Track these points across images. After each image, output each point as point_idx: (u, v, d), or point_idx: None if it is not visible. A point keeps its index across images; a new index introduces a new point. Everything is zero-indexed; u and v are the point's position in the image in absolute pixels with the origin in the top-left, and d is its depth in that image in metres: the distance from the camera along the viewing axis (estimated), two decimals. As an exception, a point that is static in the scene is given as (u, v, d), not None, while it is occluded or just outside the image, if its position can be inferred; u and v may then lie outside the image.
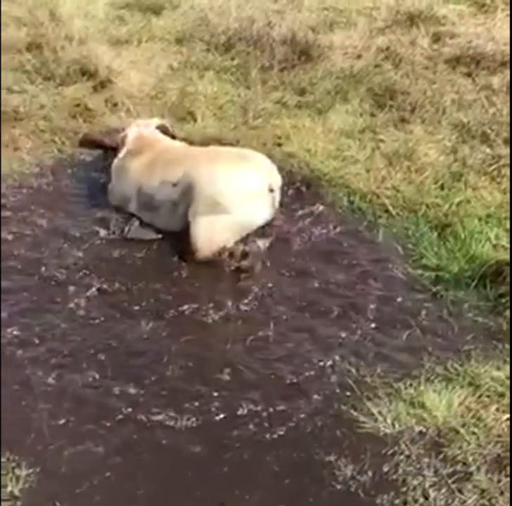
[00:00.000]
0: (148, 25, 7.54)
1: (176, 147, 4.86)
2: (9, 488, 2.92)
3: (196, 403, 3.36)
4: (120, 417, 3.29)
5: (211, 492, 2.99)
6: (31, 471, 2.99)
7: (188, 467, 3.08)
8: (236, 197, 4.22)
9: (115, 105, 6.08)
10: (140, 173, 4.60)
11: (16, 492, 2.91)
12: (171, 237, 4.47)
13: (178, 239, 4.37)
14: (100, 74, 6.35)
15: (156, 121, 5.12)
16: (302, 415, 3.30)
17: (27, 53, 6.59)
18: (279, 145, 5.61)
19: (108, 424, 3.25)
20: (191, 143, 5.14)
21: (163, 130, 5.01)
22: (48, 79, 6.35)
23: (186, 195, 4.26)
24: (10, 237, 4.49)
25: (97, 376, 3.50)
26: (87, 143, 5.32)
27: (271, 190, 4.33)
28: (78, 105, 6.05)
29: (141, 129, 4.93)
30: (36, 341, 3.68)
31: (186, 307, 3.96)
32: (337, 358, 3.62)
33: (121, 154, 4.84)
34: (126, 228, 4.53)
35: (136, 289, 4.10)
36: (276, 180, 4.44)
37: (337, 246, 4.54)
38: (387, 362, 3.60)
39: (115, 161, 4.87)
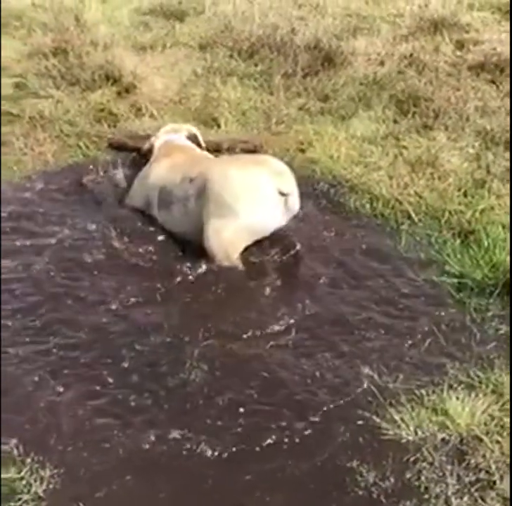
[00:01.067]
0: (172, 31, 7.63)
1: (202, 154, 4.93)
2: (34, 489, 2.94)
3: (217, 408, 3.37)
4: (141, 418, 3.31)
5: (232, 496, 2.99)
6: (55, 472, 3.01)
7: (209, 470, 3.08)
8: (244, 197, 4.20)
9: (139, 110, 6.14)
10: (163, 173, 4.69)
11: (40, 493, 2.93)
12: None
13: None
14: (124, 79, 6.41)
15: (186, 128, 5.17)
16: (325, 421, 3.29)
17: (52, 58, 6.66)
18: (302, 151, 5.63)
19: (130, 427, 3.26)
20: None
21: (192, 139, 5.07)
22: (73, 84, 6.42)
23: (200, 192, 4.29)
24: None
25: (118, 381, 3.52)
26: (114, 145, 5.54)
27: (282, 194, 4.27)
28: (102, 110, 6.12)
29: (170, 137, 5.00)
30: (54, 351, 3.70)
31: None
32: (359, 364, 3.60)
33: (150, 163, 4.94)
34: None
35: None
36: (288, 184, 4.33)
37: (359, 253, 4.53)
38: (410, 370, 3.59)
39: (144, 168, 4.96)
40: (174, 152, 4.82)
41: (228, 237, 4.22)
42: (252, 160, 4.59)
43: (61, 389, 3.43)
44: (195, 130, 5.18)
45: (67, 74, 6.48)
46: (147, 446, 3.17)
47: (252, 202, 4.21)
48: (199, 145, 5.05)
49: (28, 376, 3.50)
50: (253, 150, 5.24)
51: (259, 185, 4.24)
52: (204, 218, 4.26)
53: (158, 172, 4.74)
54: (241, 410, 3.36)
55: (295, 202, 4.38)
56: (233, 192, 4.19)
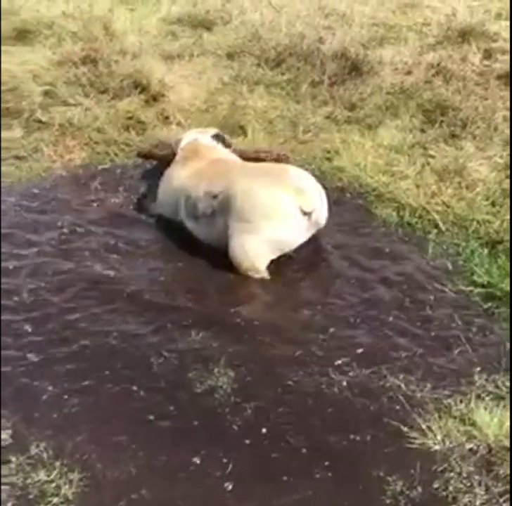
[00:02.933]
0: (199, 40, 7.67)
1: (225, 160, 4.91)
2: (63, 492, 2.97)
3: (244, 413, 3.38)
4: (168, 424, 3.33)
5: (257, 502, 3.00)
6: (84, 475, 3.04)
7: (233, 476, 3.09)
8: (266, 216, 4.22)
9: (167, 118, 6.20)
10: (188, 182, 4.68)
11: (70, 496, 2.96)
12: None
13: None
14: (152, 87, 6.47)
15: (212, 130, 5.19)
16: (352, 429, 3.29)
17: (82, 66, 6.72)
18: (329, 159, 5.65)
19: (158, 433, 3.29)
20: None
21: (220, 140, 5.09)
22: (102, 92, 6.48)
23: (224, 208, 4.32)
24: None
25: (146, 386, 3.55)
26: (142, 155, 5.57)
27: (305, 213, 4.27)
28: (130, 118, 6.19)
29: (196, 136, 5.05)
30: (84, 355, 3.75)
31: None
32: (387, 373, 3.59)
33: (173, 163, 4.97)
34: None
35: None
36: (310, 202, 4.30)
37: (386, 261, 4.52)
38: (438, 379, 3.57)
39: (167, 169, 4.98)
40: (197, 155, 4.86)
41: (253, 251, 4.27)
42: (275, 177, 4.42)
43: (89, 394, 3.46)
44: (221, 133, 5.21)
45: (96, 83, 6.54)
46: (173, 453, 3.19)
47: (275, 221, 4.24)
48: (227, 145, 5.11)
49: (56, 380, 3.54)
50: (276, 159, 5.18)
51: (281, 204, 4.24)
52: (229, 232, 4.30)
53: (182, 179, 4.75)
54: (268, 417, 3.36)
55: (320, 217, 4.40)
56: (256, 211, 4.22)
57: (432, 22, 7.94)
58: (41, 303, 4.08)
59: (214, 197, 4.40)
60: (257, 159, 5.07)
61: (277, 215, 4.24)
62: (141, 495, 3.00)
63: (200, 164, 4.75)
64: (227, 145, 5.09)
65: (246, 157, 5.09)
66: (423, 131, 5.94)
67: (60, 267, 4.38)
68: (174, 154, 5.04)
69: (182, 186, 4.71)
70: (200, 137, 5.06)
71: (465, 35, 7.32)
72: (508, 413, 3.32)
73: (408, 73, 6.82)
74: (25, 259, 4.44)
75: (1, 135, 5.90)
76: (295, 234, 4.34)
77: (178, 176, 4.80)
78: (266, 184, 4.31)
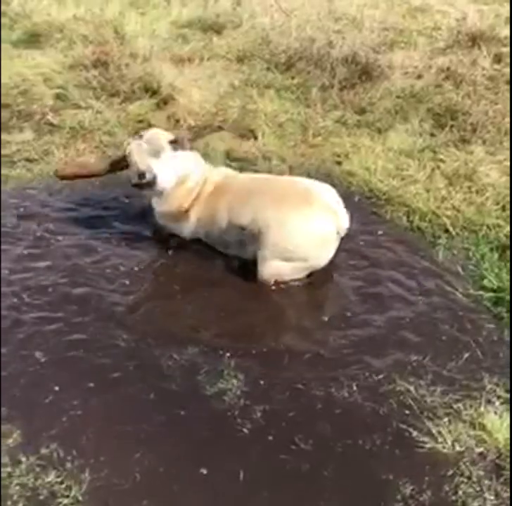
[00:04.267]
0: (209, 44, 7.71)
1: (237, 184, 4.52)
2: (73, 493, 2.98)
3: (253, 416, 3.39)
4: (178, 426, 3.34)
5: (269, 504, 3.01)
6: (95, 476, 3.05)
7: (242, 479, 3.10)
8: (305, 245, 4.18)
9: (177, 121, 6.20)
10: (204, 219, 4.48)
11: (80, 497, 2.97)
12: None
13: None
14: (163, 91, 6.49)
15: (165, 135, 4.49)
16: (361, 432, 3.29)
17: (93, 69, 6.76)
18: (338, 163, 5.65)
19: (168, 435, 3.30)
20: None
21: (180, 144, 4.44)
22: (112, 95, 6.51)
23: (255, 237, 4.20)
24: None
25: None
26: (66, 177, 4.97)
27: (337, 233, 4.29)
28: (141, 121, 6.20)
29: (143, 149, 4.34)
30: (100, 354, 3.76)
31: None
32: (396, 377, 3.59)
33: (160, 189, 4.42)
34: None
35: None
36: (344, 223, 4.31)
37: (396, 265, 4.52)
38: (447, 383, 3.57)
39: (155, 199, 4.58)
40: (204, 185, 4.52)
41: (286, 276, 4.25)
42: (304, 198, 4.22)
43: (100, 396, 3.47)
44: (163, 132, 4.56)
45: (107, 86, 6.58)
46: (182, 455, 3.21)
47: (315, 248, 4.21)
48: (186, 148, 4.47)
49: (67, 381, 3.56)
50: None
51: (318, 232, 4.18)
52: (259, 258, 4.21)
53: (198, 215, 4.50)
54: (277, 420, 3.37)
55: (345, 229, 4.38)
56: (295, 242, 4.15)
57: (442, 26, 7.96)
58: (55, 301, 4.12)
59: (243, 229, 4.26)
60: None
61: (314, 243, 4.19)
62: (153, 496, 3.01)
63: (207, 197, 4.49)
64: (186, 148, 4.46)
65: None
66: (433, 135, 5.94)
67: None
68: (110, 169, 4.64)
69: (196, 224, 4.53)
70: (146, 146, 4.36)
71: (475, 39, 7.32)
72: (518, 418, 3.32)
73: (419, 77, 6.84)
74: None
75: (13, 138, 5.94)
76: (330, 255, 4.31)
77: (186, 216, 4.54)
78: (300, 211, 4.16)
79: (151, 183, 4.31)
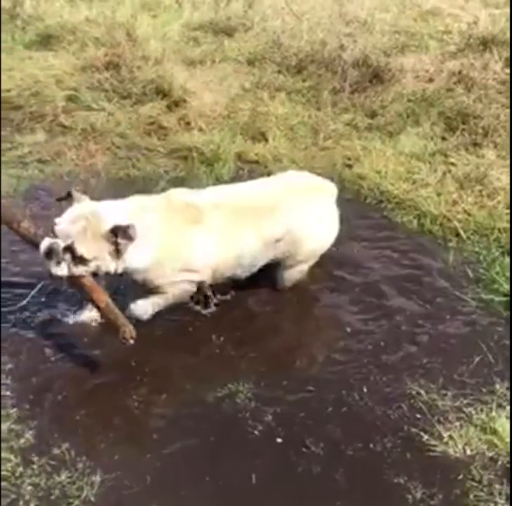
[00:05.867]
0: (221, 47, 7.73)
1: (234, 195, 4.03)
2: (85, 493, 2.99)
3: (264, 418, 3.40)
4: (190, 426, 3.35)
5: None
6: (106, 477, 3.06)
7: (252, 481, 3.11)
8: (330, 243, 4.21)
9: (188, 123, 6.23)
10: (215, 240, 3.79)
11: (91, 498, 2.98)
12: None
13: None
14: (174, 93, 6.51)
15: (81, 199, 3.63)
16: (372, 436, 3.29)
17: (105, 72, 6.79)
18: (349, 166, 5.66)
19: (179, 435, 3.31)
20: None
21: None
22: (124, 97, 6.54)
23: (290, 246, 3.99)
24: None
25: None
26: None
27: None
28: (152, 123, 6.23)
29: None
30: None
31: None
32: (407, 380, 3.59)
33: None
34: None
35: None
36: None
37: (407, 268, 4.52)
38: (458, 387, 3.57)
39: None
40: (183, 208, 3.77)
41: (301, 276, 4.24)
42: (324, 197, 4.15)
43: (113, 397, 3.49)
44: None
45: (119, 88, 6.61)
46: (195, 455, 3.22)
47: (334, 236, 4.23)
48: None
49: (81, 381, 3.58)
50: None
51: (337, 224, 4.19)
52: (285, 265, 4.10)
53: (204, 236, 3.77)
54: (288, 423, 3.38)
55: None
56: (326, 243, 4.19)
57: (453, 30, 7.97)
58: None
59: (277, 241, 3.93)
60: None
61: (333, 238, 4.22)
62: (164, 497, 3.02)
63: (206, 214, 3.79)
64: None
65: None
66: (444, 138, 5.94)
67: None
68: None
69: (207, 250, 3.79)
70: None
71: (486, 43, 7.31)
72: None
73: (430, 81, 6.84)
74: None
75: (25, 140, 5.97)
76: None
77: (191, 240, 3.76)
78: (327, 213, 4.14)
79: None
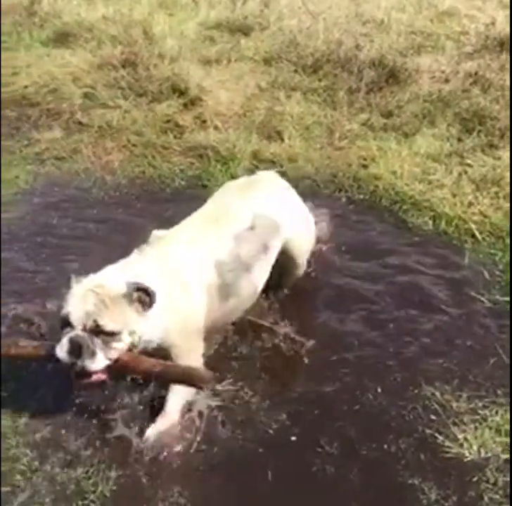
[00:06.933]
0: (237, 45, 7.74)
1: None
2: (100, 488, 3.01)
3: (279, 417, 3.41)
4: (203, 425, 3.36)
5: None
6: (121, 473, 3.08)
7: (267, 479, 3.12)
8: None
9: (204, 122, 6.24)
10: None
11: (107, 493, 3.01)
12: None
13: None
14: (190, 91, 6.54)
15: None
16: (386, 437, 3.29)
17: (121, 69, 6.83)
18: (364, 166, 5.64)
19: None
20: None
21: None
22: (140, 95, 6.57)
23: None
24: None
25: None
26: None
27: None
28: (168, 121, 6.25)
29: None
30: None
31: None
32: (422, 381, 3.59)
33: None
34: None
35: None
36: None
37: (422, 270, 4.51)
38: (473, 389, 3.55)
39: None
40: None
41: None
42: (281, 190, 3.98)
43: (128, 394, 3.48)
44: None
45: (135, 86, 6.64)
46: (208, 453, 3.23)
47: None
48: None
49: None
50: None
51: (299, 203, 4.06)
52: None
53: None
54: (302, 422, 3.39)
55: None
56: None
57: (470, 30, 7.93)
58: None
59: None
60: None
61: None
62: (177, 493, 3.04)
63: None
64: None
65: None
66: (460, 139, 5.90)
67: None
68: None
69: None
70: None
71: (503, 44, 7.28)
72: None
73: (446, 81, 6.82)
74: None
75: (42, 136, 6.01)
76: None
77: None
78: (305, 209, 4.05)
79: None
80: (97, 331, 2.95)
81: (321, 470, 3.15)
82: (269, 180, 4.02)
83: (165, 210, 5.00)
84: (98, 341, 2.95)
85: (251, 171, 5.46)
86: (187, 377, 3.08)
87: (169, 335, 3.21)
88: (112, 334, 2.98)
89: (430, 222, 4.97)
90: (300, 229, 3.97)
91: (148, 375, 3.15)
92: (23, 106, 6.54)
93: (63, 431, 3.28)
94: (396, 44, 7.46)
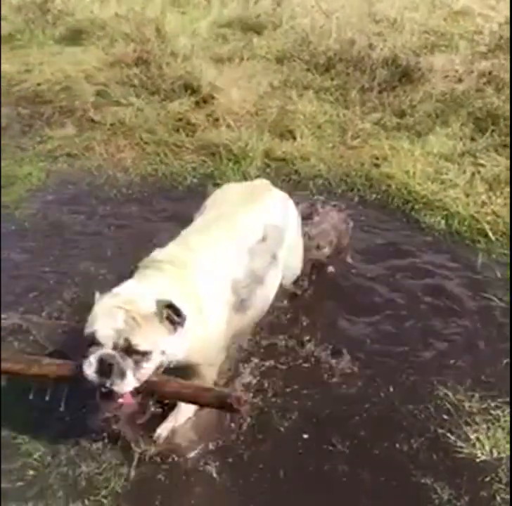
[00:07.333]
0: (249, 44, 7.75)
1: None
2: (112, 485, 3.02)
3: (291, 415, 3.40)
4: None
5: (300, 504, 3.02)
6: (132, 469, 3.09)
7: (278, 476, 3.11)
8: None
9: (216, 120, 6.25)
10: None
11: (118, 489, 3.01)
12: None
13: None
14: (202, 90, 6.55)
15: None
16: (398, 435, 3.28)
17: (134, 67, 6.85)
18: (377, 166, 5.63)
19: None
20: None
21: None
22: (153, 93, 6.60)
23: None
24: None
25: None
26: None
27: None
28: (181, 119, 6.26)
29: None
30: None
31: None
32: (435, 381, 3.57)
33: None
34: None
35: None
36: None
37: (435, 270, 4.50)
38: (486, 389, 3.53)
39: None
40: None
41: None
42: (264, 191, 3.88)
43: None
44: None
45: (148, 84, 6.67)
46: (219, 451, 3.23)
47: None
48: None
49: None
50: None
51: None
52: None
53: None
54: (314, 420, 3.38)
55: None
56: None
57: (484, 30, 7.89)
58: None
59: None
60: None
61: None
62: (190, 489, 3.04)
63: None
64: None
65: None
66: (473, 139, 5.88)
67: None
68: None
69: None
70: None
71: (517, 44, 7.25)
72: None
73: (460, 81, 6.80)
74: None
75: (55, 134, 6.04)
76: None
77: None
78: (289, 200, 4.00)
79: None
80: (129, 350, 2.80)
81: (332, 469, 3.14)
82: (269, 188, 3.94)
83: (177, 208, 5.00)
84: (129, 361, 2.80)
85: (263, 170, 5.55)
86: (220, 401, 2.84)
87: (192, 354, 3.09)
88: (144, 354, 2.83)
89: (443, 222, 4.95)
90: (299, 238, 3.98)
91: (176, 398, 3.07)
92: (36, 103, 6.58)
93: (75, 427, 3.28)
94: (409, 43, 7.44)
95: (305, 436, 3.29)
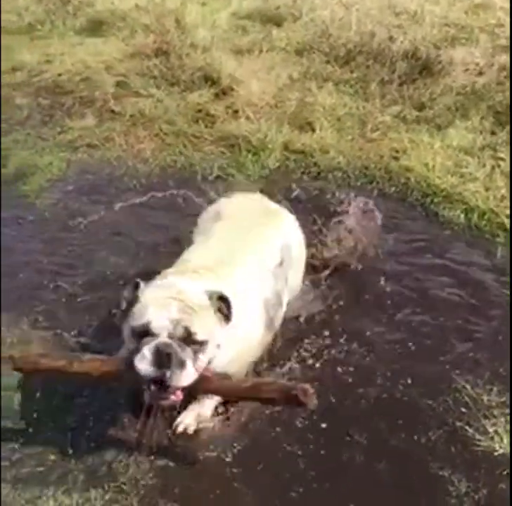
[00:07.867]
0: (269, 36, 7.69)
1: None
2: (131, 471, 3.06)
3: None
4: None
5: (318, 495, 3.04)
6: (152, 457, 3.13)
7: (295, 467, 3.14)
8: None
9: (236, 112, 6.23)
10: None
11: (137, 476, 3.05)
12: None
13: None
14: (222, 81, 6.52)
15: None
16: (416, 428, 3.30)
17: (154, 58, 6.85)
18: (396, 158, 5.60)
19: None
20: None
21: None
22: (173, 84, 6.59)
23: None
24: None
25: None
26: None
27: None
28: (200, 111, 6.26)
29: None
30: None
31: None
32: (453, 374, 3.58)
33: None
34: None
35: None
36: None
37: (453, 264, 4.49)
38: (504, 382, 3.54)
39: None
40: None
41: None
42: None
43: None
44: None
45: (168, 75, 6.66)
46: (237, 442, 3.26)
47: None
48: None
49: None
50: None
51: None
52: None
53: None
54: (332, 412, 3.40)
55: None
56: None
57: (505, 23, 7.80)
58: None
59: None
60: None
61: None
62: (206, 479, 3.07)
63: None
64: None
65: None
66: (493, 133, 5.84)
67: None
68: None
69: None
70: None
71: (539, 37, 7.18)
72: None
73: (480, 74, 6.73)
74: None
75: (75, 124, 6.07)
76: None
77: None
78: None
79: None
80: (187, 340, 2.73)
81: (350, 460, 3.16)
82: (282, 210, 3.99)
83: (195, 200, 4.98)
84: (188, 350, 2.71)
85: (282, 162, 5.55)
86: (286, 395, 2.73)
87: (231, 361, 3.05)
88: (201, 344, 2.76)
89: (462, 215, 4.93)
90: (302, 259, 3.98)
91: (233, 394, 2.99)
92: (56, 94, 6.59)
93: (96, 414, 3.32)
94: (429, 36, 7.36)
95: (323, 425, 3.31)
